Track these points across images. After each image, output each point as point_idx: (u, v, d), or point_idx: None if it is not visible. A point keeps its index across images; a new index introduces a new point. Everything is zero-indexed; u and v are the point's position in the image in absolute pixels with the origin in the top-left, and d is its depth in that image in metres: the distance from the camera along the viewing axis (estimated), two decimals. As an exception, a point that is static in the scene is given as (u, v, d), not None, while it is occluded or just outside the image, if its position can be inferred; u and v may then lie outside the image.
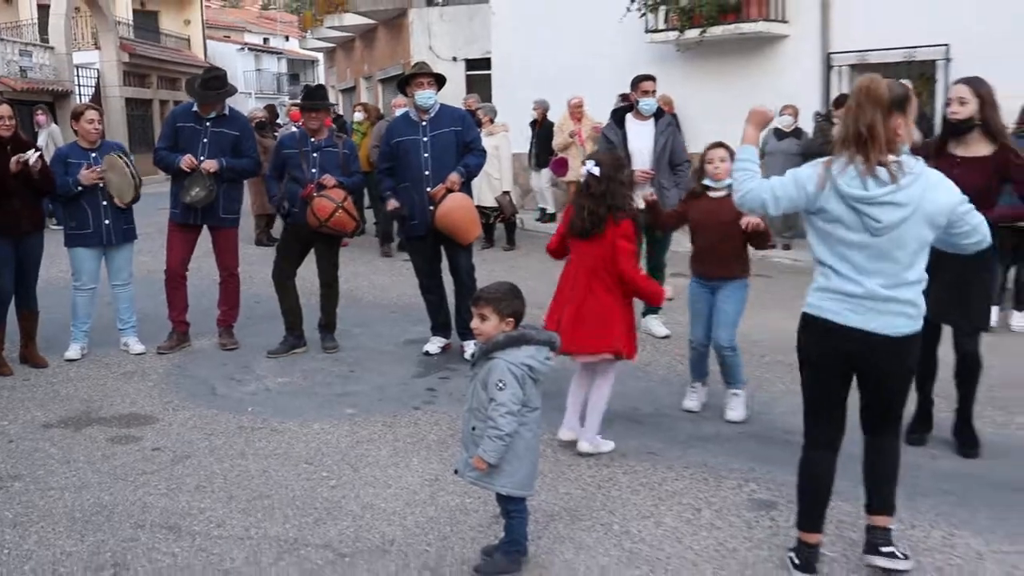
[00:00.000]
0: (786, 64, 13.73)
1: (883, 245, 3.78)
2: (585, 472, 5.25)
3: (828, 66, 13.36)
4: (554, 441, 5.64)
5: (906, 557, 4.09)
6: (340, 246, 7.89)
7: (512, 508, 4.10)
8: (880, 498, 4.16)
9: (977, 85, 5.37)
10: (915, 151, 6.98)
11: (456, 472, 4.21)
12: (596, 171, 5.36)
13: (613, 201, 5.37)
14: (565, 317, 5.40)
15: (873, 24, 12.52)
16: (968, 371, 5.54)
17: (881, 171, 3.72)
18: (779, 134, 12.32)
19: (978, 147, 5.33)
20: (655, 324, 8.15)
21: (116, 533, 4.54)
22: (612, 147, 7.86)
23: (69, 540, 4.46)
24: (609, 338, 5.38)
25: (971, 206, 3.86)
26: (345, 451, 5.61)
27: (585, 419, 5.53)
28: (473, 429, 4.03)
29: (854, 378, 4.03)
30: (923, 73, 12.16)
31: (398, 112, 13.55)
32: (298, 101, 7.70)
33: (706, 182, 6.06)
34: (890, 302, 3.80)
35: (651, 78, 7.98)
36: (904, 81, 11.48)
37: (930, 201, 3.73)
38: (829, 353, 3.97)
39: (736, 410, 6.15)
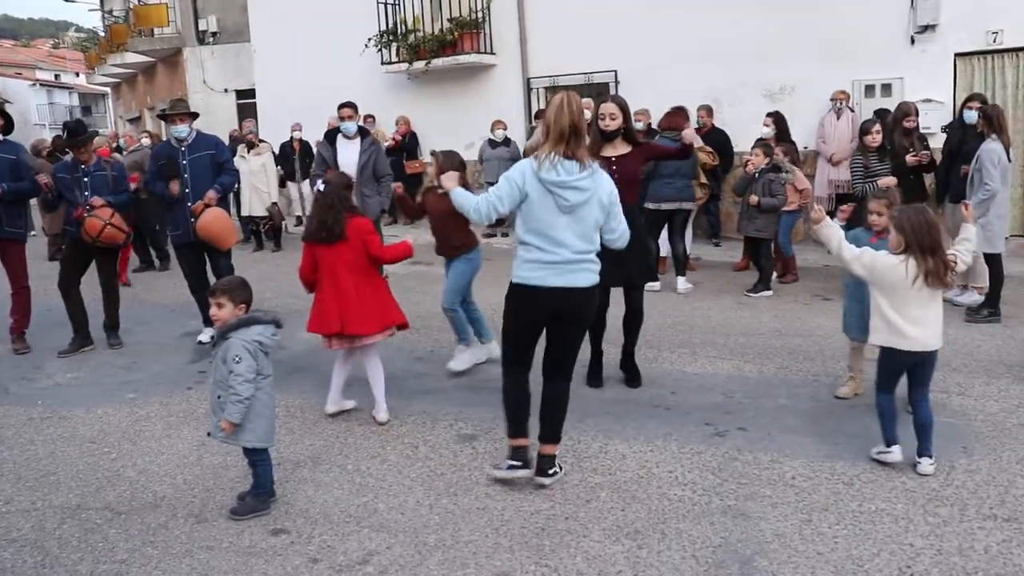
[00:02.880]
0: (495, 87, 14.11)
1: (568, 221, 4.12)
2: (327, 427, 5.38)
3: (528, 88, 13.87)
4: (304, 403, 5.76)
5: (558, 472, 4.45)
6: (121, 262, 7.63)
7: (257, 459, 4.20)
8: (549, 432, 4.43)
9: (621, 102, 5.79)
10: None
11: (209, 435, 4.25)
12: (322, 187, 5.29)
13: (343, 205, 5.30)
14: (344, 309, 5.23)
15: (560, 55, 13.13)
16: (634, 320, 5.99)
17: (572, 163, 4.09)
18: (493, 144, 12.77)
19: (622, 148, 5.74)
20: None
21: (-91, 520, 4.31)
22: (324, 161, 7.99)
23: None
24: (387, 316, 5.37)
25: (620, 210, 4.27)
26: (125, 428, 5.52)
27: (374, 395, 5.47)
28: (219, 398, 4.08)
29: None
30: (599, 92, 12.87)
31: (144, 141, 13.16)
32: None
33: (435, 182, 6.27)
34: (576, 263, 4.16)
35: (349, 105, 8.02)
36: (586, 99, 12.16)
37: (602, 190, 4.15)
38: (535, 310, 4.23)
39: (456, 363, 6.31)
